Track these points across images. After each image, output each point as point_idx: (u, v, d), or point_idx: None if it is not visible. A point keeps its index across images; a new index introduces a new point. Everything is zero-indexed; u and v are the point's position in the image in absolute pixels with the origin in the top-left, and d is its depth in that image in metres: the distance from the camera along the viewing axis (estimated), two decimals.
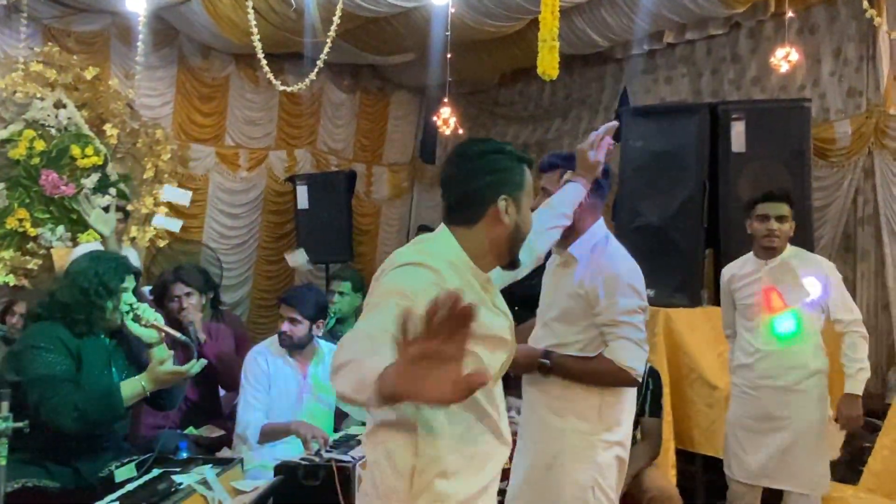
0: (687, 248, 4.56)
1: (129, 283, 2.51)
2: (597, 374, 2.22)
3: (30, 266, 5.42)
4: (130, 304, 2.45)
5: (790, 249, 3.37)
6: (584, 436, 2.22)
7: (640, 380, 2.23)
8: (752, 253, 3.48)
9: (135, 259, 5.52)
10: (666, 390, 4.12)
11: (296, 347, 3.16)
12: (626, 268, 2.27)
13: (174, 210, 6.37)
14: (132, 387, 2.36)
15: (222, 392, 3.91)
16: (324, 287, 5.80)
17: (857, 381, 3.18)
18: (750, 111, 4.60)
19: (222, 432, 3.41)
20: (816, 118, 5.43)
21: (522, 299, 2.61)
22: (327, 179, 7.07)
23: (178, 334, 2.53)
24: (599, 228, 2.34)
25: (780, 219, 3.28)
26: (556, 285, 2.36)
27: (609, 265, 2.24)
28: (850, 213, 5.49)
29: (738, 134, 4.54)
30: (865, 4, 4.31)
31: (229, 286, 6.88)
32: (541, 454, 2.28)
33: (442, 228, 1.70)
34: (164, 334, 2.46)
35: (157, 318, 2.45)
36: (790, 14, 5.06)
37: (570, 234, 2.28)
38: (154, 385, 2.35)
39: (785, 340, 3.25)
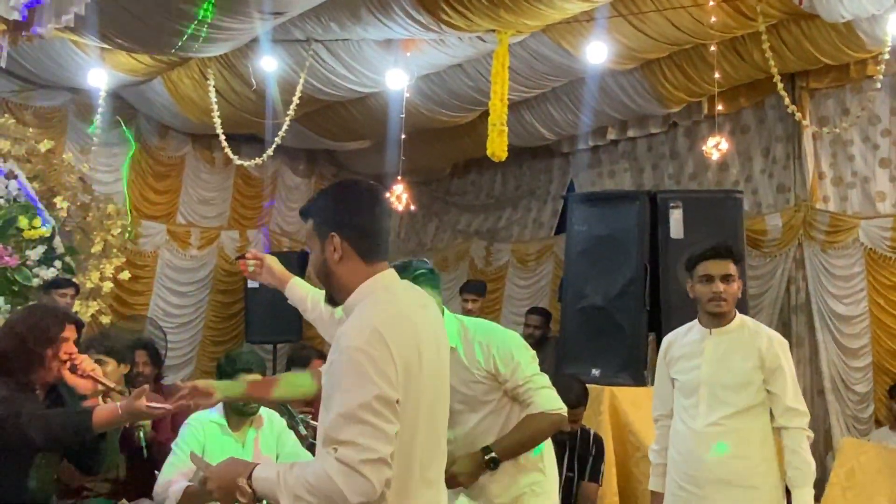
0: (630, 328, 4.69)
1: (70, 333, 2.47)
2: (537, 431, 2.38)
3: None
4: (69, 354, 2.41)
5: (739, 318, 2.86)
6: (538, 483, 2.40)
7: (566, 416, 2.41)
8: (696, 320, 2.94)
9: None
10: (612, 470, 4.14)
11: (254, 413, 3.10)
12: (495, 330, 2.49)
13: (119, 286, 6.29)
14: (108, 409, 2.27)
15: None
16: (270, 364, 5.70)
17: (806, 491, 2.68)
18: (686, 200, 4.87)
19: None
20: (750, 211, 5.76)
21: None
22: (279, 260, 7.07)
23: (113, 385, 2.47)
24: (451, 317, 2.46)
25: (726, 278, 2.77)
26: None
27: (480, 334, 2.41)
28: (783, 302, 5.74)
29: (675, 221, 4.78)
30: (787, 102, 4.68)
31: (173, 365, 6.71)
32: None
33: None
34: (100, 386, 2.41)
35: (96, 369, 2.40)
36: (720, 109, 5.44)
37: None
38: (129, 416, 2.25)
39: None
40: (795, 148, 5.87)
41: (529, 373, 2.35)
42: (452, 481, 2.27)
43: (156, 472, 3.58)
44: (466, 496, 2.41)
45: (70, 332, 2.46)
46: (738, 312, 2.87)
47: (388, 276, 1.72)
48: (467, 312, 5.57)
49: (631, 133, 6.62)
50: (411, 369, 1.59)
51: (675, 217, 4.78)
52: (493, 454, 2.33)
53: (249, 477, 1.61)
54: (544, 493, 2.42)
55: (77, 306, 5.74)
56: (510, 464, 2.37)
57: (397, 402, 1.53)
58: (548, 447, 2.49)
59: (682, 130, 6.55)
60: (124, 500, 3.34)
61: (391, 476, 1.52)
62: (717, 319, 2.81)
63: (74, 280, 5.56)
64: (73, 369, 2.39)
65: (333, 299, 1.73)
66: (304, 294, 2.35)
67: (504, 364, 2.34)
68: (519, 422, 2.38)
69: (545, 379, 2.39)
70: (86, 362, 2.41)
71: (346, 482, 1.46)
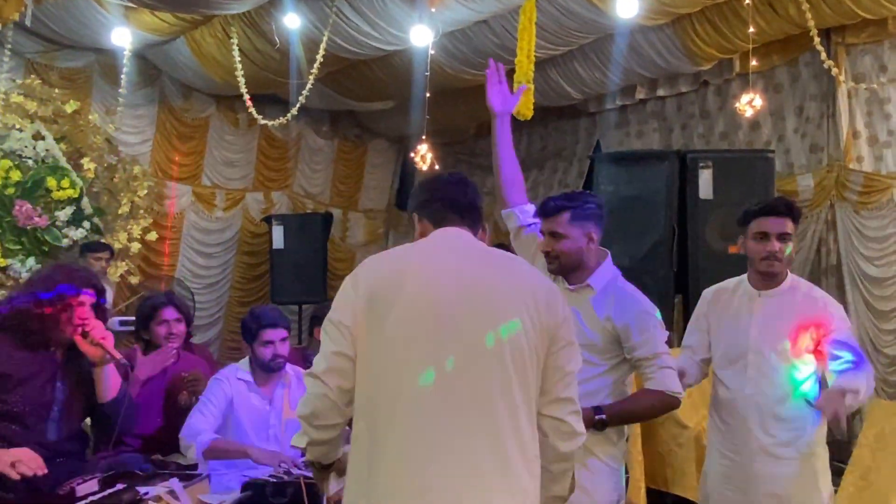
0: (657, 290, 4.62)
1: (86, 299, 2.48)
2: (650, 408, 2.35)
3: None
4: (83, 319, 2.44)
5: (790, 279, 2.64)
6: (612, 459, 2.35)
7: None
8: (743, 277, 2.74)
9: (108, 295, 5.46)
10: (637, 431, 4.14)
11: (279, 369, 3.13)
12: (650, 304, 2.38)
13: (147, 247, 6.35)
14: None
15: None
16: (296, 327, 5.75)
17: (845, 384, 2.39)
18: (717, 160, 4.76)
19: (192, 461, 3.32)
20: (781, 172, 5.64)
21: None
22: (303, 220, 7.11)
23: (119, 357, 2.49)
24: (610, 265, 2.44)
25: (783, 237, 2.56)
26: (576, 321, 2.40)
27: (636, 303, 2.35)
28: (814, 263, 5.65)
29: (705, 181, 4.69)
30: (824, 56, 4.53)
31: (200, 325, 6.80)
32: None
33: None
34: (108, 355, 2.43)
35: (107, 338, 2.42)
36: (754, 64, 5.29)
37: (578, 268, 2.38)
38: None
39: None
40: (829, 107, 5.71)
41: (660, 350, 2.29)
42: None
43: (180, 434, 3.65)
44: None
45: (86, 298, 2.47)
46: (789, 273, 2.66)
47: (441, 233, 1.80)
48: None
49: (660, 92, 6.49)
50: (381, 295, 1.65)
51: (705, 177, 4.69)
52: (603, 416, 2.25)
53: None
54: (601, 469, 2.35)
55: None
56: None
57: (346, 326, 1.65)
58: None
59: (713, 89, 6.40)
60: (158, 455, 3.40)
61: (325, 392, 1.65)
62: (768, 280, 2.60)
63: (105, 241, 5.64)
64: (85, 335, 2.41)
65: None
66: None
67: (639, 332, 2.28)
68: (635, 393, 2.35)
69: (672, 360, 2.32)
70: (97, 330, 2.42)
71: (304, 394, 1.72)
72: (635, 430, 4.09)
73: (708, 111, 6.45)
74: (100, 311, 2.56)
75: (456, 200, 1.83)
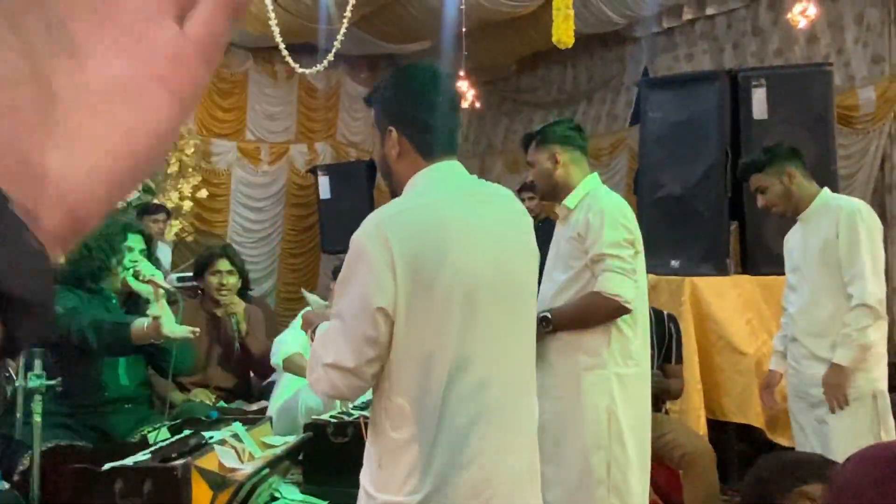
0: (711, 216, 4.50)
1: (135, 243, 2.57)
2: (591, 310, 2.31)
3: None
4: (134, 262, 2.50)
5: (820, 198, 2.89)
6: (596, 370, 2.28)
7: (630, 307, 2.29)
8: None
9: (166, 254, 5.60)
10: (695, 359, 4.08)
11: None
12: (612, 203, 2.37)
13: (199, 204, 6.45)
14: (140, 322, 2.40)
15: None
16: None
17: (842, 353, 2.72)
18: (771, 77, 4.53)
19: (256, 407, 3.43)
20: (841, 86, 5.35)
21: None
22: (348, 169, 7.11)
23: (169, 287, 2.56)
24: (592, 180, 2.47)
25: (758, 191, 3.01)
26: (557, 239, 2.48)
27: (596, 203, 2.36)
28: (877, 181, 5.40)
29: (759, 100, 4.48)
30: None
31: (254, 279, 6.89)
32: (557, 401, 2.30)
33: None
34: (161, 290, 2.49)
35: (156, 275, 2.48)
36: None
37: (555, 190, 2.47)
38: (155, 332, 2.36)
39: None
40: (892, 12, 5.36)
41: (609, 251, 2.26)
42: None
43: (249, 374, 3.77)
44: None
45: (135, 242, 2.55)
46: (820, 190, 2.91)
47: (443, 167, 1.53)
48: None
49: (709, 10, 6.19)
50: (424, 266, 1.42)
51: (759, 96, 4.48)
52: (546, 313, 2.31)
53: (314, 331, 1.66)
54: (603, 380, 2.31)
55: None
56: (575, 340, 2.32)
57: (382, 309, 1.40)
58: (636, 342, 2.38)
59: (765, 3, 6.07)
60: (222, 402, 3.51)
61: (361, 385, 1.45)
62: (791, 213, 2.95)
63: (158, 202, 5.75)
64: (136, 276, 2.48)
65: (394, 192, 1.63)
66: None
67: (591, 232, 2.29)
68: (581, 295, 2.35)
69: (623, 264, 2.27)
70: (146, 268, 2.49)
71: (310, 376, 1.49)
72: (693, 359, 4.04)
73: (760, 27, 6.13)
74: (149, 257, 2.64)
75: (456, 127, 1.61)
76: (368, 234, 1.42)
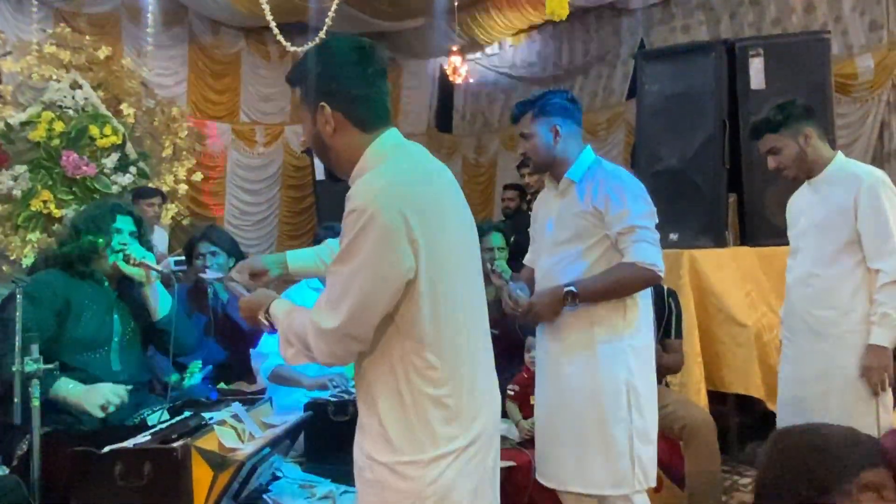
0: (709, 189, 4.47)
1: (124, 224, 2.52)
2: (623, 281, 2.26)
3: None
4: (123, 245, 2.47)
5: (834, 163, 2.73)
6: (613, 342, 2.26)
7: (663, 276, 2.28)
8: None
9: (163, 238, 5.58)
10: (695, 332, 4.08)
11: None
12: (627, 177, 2.35)
13: (194, 188, 6.42)
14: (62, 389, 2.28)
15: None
16: None
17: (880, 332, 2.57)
18: (768, 46, 4.48)
19: (256, 387, 3.43)
20: (839, 54, 5.30)
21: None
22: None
23: (161, 268, 2.53)
24: (589, 154, 2.43)
25: (771, 152, 2.78)
26: (560, 213, 2.41)
27: (610, 178, 2.32)
28: (876, 149, 5.37)
29: (756, 70, 4.43)
30: None
31: None
32: (573, 376, 2.28)
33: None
34: (153, 273, 2.47)
35: (147, 257, 2.45)
36: None
37: (555, 164, 2.40)
38: None
39: None
40: None
41: (640, 223, 2.23)
42: (530, 312, 2.30)
43: (251, 351, 3.76)
44: (547, 337, 2.38)
45: (124, 224, 2.50)
46: (835, 154, 2.76)
47: (394, 135, 1.54)
48: (525, 186, 5.49)
49: None
50: (434, 236, 1.45)
51: (756, 66, 4.43)
52: (571, 287, 2.25)
53: (268, 311, 1.61)
54: (619, 352, 2.28)
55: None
56: (589, 313, 2.28)
57: (402, 279, 1.42)
58: (644, 312, 2.35)
59: None
60: (222, 383, 3.51)
61: (360, 349, 1.48)
62: (797, 180, 2.81)
63: (152, 186, 5.71)
64: (127, 259, 2.44)
65: (335, 175, 1.62)
66: (310, 265, 2.11)
67: (614, 207, 2.24)
68: (610, 267, 2.28)
69: (654, 235, 2.27)
70: (136, 251, 2.45)
71: (316, 343, 1.46)
72: (692, 332, 4.04)
73: None
74: (140, 239, 2.60)
75: (387, 95, 1.56)
76: (382, 205, 1.39)
